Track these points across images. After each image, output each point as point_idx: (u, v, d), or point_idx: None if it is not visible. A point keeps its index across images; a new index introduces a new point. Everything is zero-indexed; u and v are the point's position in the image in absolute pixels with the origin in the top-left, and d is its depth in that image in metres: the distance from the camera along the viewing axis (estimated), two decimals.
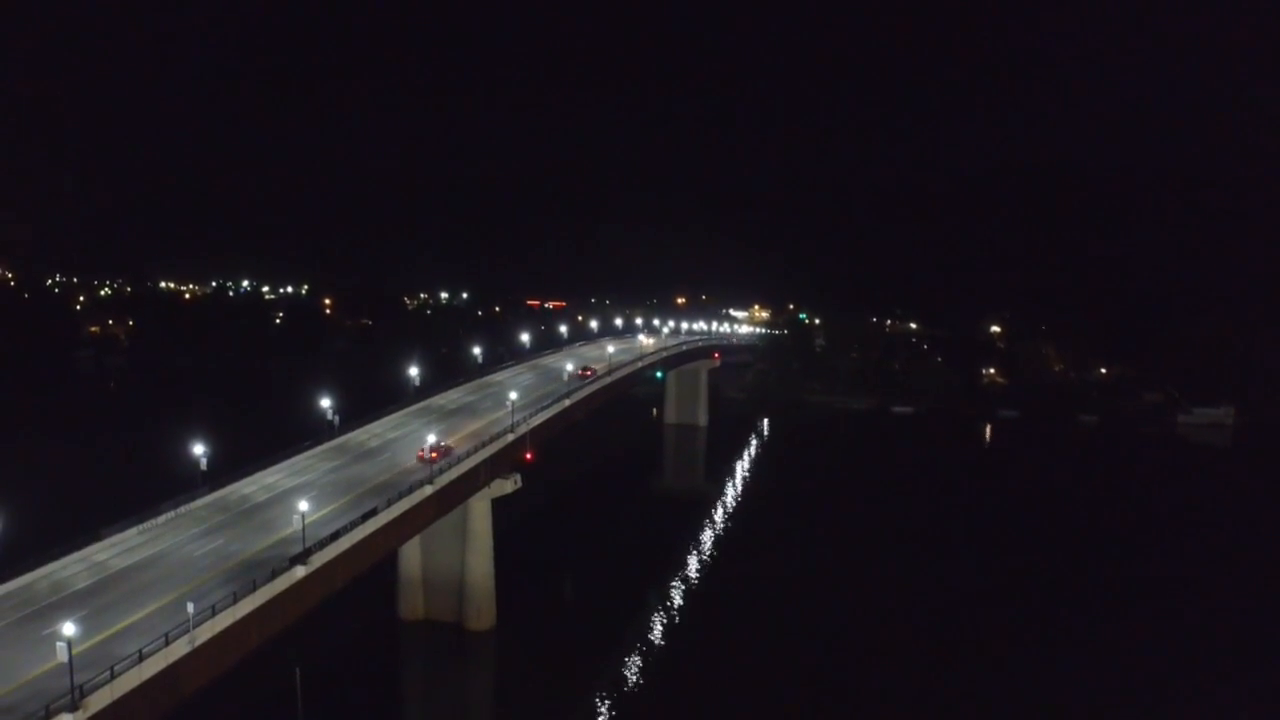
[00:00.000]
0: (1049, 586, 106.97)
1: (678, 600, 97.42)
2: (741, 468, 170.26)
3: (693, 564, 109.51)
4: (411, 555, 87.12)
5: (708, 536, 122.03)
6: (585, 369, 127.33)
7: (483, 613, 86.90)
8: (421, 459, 79.07)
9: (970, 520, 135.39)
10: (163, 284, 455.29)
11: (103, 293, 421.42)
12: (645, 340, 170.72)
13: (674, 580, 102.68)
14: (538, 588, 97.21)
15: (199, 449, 69.12)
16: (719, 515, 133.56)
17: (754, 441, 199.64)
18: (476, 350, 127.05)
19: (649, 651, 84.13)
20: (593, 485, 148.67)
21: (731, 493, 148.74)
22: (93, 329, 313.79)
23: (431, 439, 78.63)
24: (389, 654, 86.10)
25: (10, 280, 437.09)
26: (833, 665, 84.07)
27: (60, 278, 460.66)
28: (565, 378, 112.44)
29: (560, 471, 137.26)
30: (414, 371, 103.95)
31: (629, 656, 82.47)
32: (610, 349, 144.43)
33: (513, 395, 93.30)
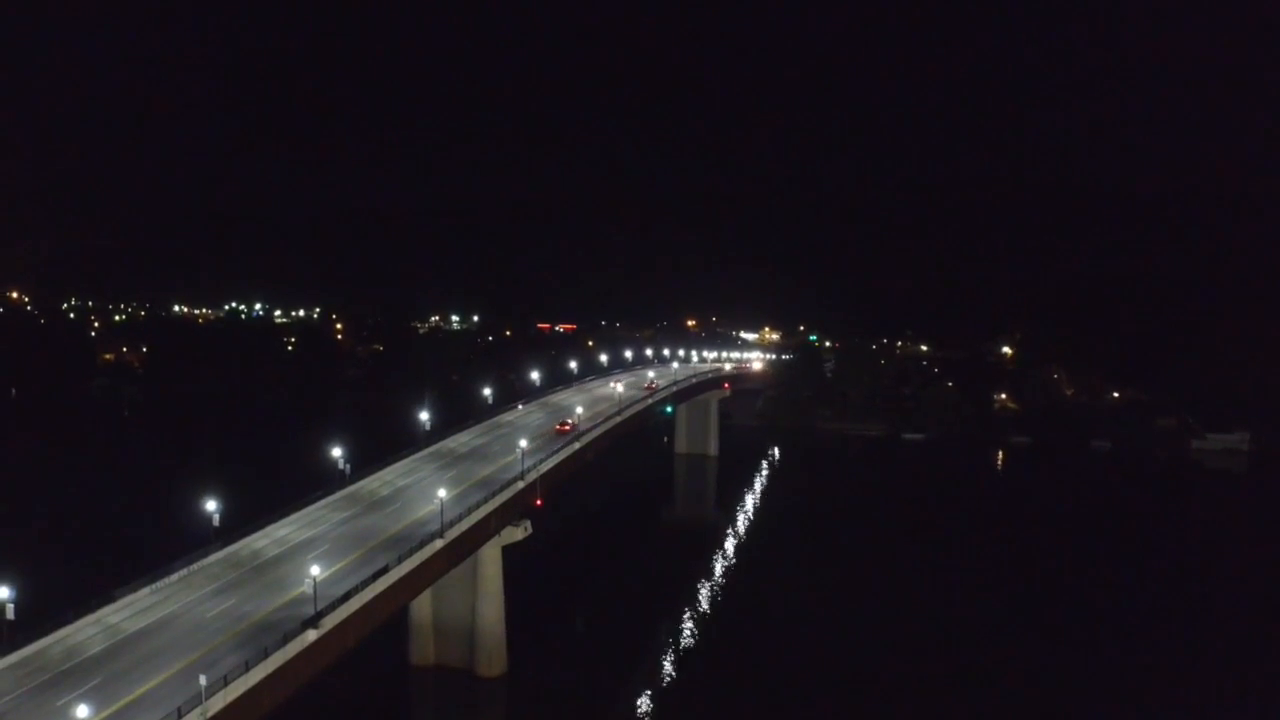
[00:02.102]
0: (1062, 617, 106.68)
1: (690, 639, 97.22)
2: (752, 498, 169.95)
3: (704, 599, 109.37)
4: (422, 601, 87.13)
5: (719, 570, 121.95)
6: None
7: (494, 659, 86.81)
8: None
9: (982, 551, 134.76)
10: (177, 308, 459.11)
11: (117, 317, 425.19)
12: (652, 375, 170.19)
13: (686, 617, 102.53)
14: (549, 631, 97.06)
15: (211, 505, 69.51)
16: (730, 547, 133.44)
17: (765, 471, 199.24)
18: (487, 391, 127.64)
19: (662, 695, 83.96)
20: (603, 519, 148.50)
21: (743, 524, 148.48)
22: (107, 356, 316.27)
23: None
24: (400, 701, 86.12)
25: (27, 304, 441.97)
26: (847, 699, 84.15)
27: (75, 301, 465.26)
28: (574, 418, 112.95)
29: (571, 505, 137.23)
30: (425, 416, 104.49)
31: (641, 700, 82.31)
32: (619, 387, 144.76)
33: (523, 443, 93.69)
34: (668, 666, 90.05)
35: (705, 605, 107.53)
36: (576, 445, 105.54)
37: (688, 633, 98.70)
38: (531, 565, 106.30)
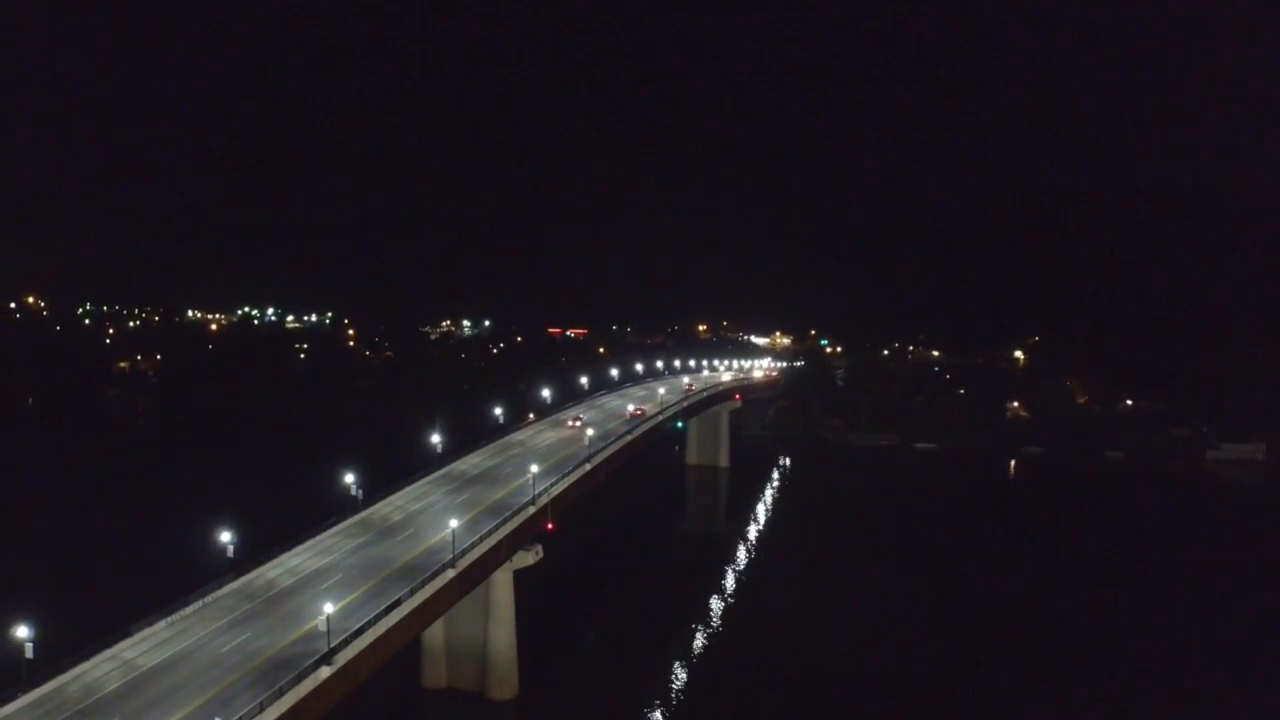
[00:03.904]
0: (1074, 630, 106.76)
1: (702, 656, 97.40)
2: (764, 510, 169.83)
3: (716, 616, 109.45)
4: (434, 625, 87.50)
5: (731, 586, 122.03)
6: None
7: (505, 682, 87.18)
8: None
9: (994, 563, 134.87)
10: (190, 313, 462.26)
11: (132, 323, 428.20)
12: (662, 392, 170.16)
13: (698, 636, 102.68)
14: (560, 652, 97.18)
15: (225, 535, 70.02)
16: (742, 562, 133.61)
17: (776, 483, 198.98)
18: (498, 410, 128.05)
19: (674, 716, 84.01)
20: (615, 535, 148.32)
21: (754, 537, 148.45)
22: (122, 363, 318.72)
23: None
24: None
25: (43, 309, 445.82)
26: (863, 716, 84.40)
27: (90, 306, 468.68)
28: (585, 441, 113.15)
29: (582, 520, 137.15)
30: (436, 439, 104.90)
31: None
32: (630, 406, 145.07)
33: (534, 468, 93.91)
34: (680, 686, 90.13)
35: (717, 623, 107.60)
36: (588, 467, 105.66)
37: (700, 652, 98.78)
38: (543, 585, 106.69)
